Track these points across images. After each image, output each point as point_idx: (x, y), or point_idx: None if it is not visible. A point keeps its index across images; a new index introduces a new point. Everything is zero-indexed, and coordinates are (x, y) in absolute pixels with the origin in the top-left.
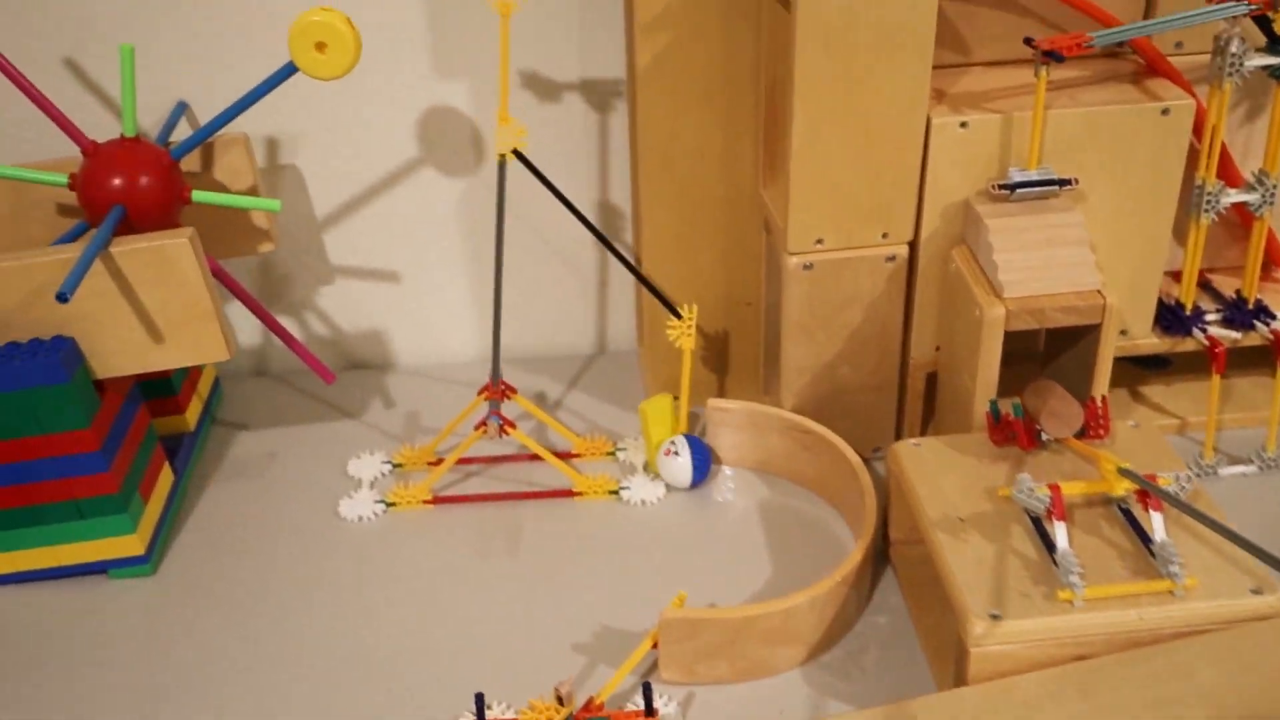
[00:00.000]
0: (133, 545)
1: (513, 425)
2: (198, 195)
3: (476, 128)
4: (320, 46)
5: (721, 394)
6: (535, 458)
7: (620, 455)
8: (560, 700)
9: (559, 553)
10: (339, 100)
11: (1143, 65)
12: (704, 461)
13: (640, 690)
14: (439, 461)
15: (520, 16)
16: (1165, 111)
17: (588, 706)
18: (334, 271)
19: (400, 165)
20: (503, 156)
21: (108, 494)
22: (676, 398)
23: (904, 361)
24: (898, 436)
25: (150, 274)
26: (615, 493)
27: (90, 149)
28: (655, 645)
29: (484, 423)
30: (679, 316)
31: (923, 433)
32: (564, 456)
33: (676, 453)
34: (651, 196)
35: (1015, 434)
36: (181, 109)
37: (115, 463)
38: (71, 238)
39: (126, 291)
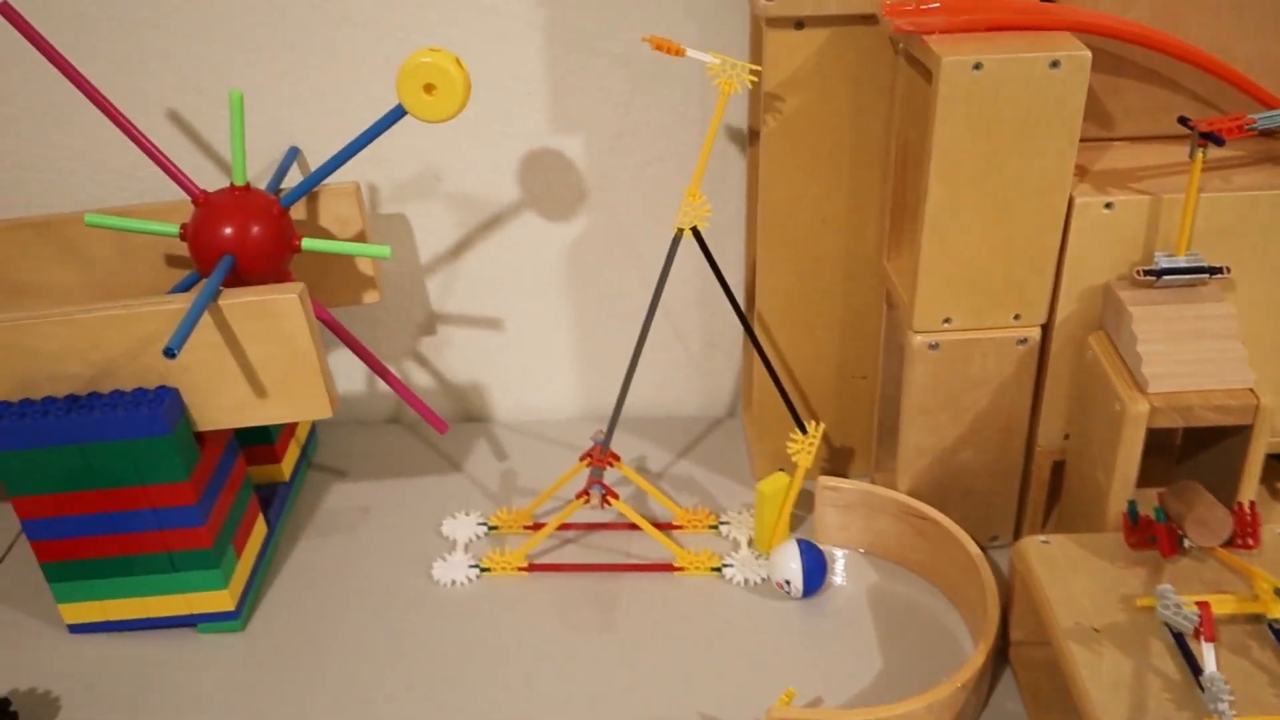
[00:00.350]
0: (223, 601)
1: (615, 496)
2: (307, 243)
3: (587, 181)
4: (429, 88)
5: (831, 468)
6: (634, 527)
7: (724, 529)
8: None
9: (656, 631)
10: (449, 148)
11: None
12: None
13: None
14: (536, 526)
15: (640, 66)
16: None
17: None
18: (435, 321)
19: (508, 216)
20: (681, 231)
21: (201, 548)
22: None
23: (1029, 448)
24: (1018, 525)
25: (257, 328)
26: (718, 570)
27: (200, 198)
28: None
29: (586, 492)
30: (804, 431)
31: (1044, 523)
32: (664, 527)
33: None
34: (769, 263)
35: (1155, 539)
36: (293, 155)
37: (211, 517)
38: (184, 288)
39: (232, 344)
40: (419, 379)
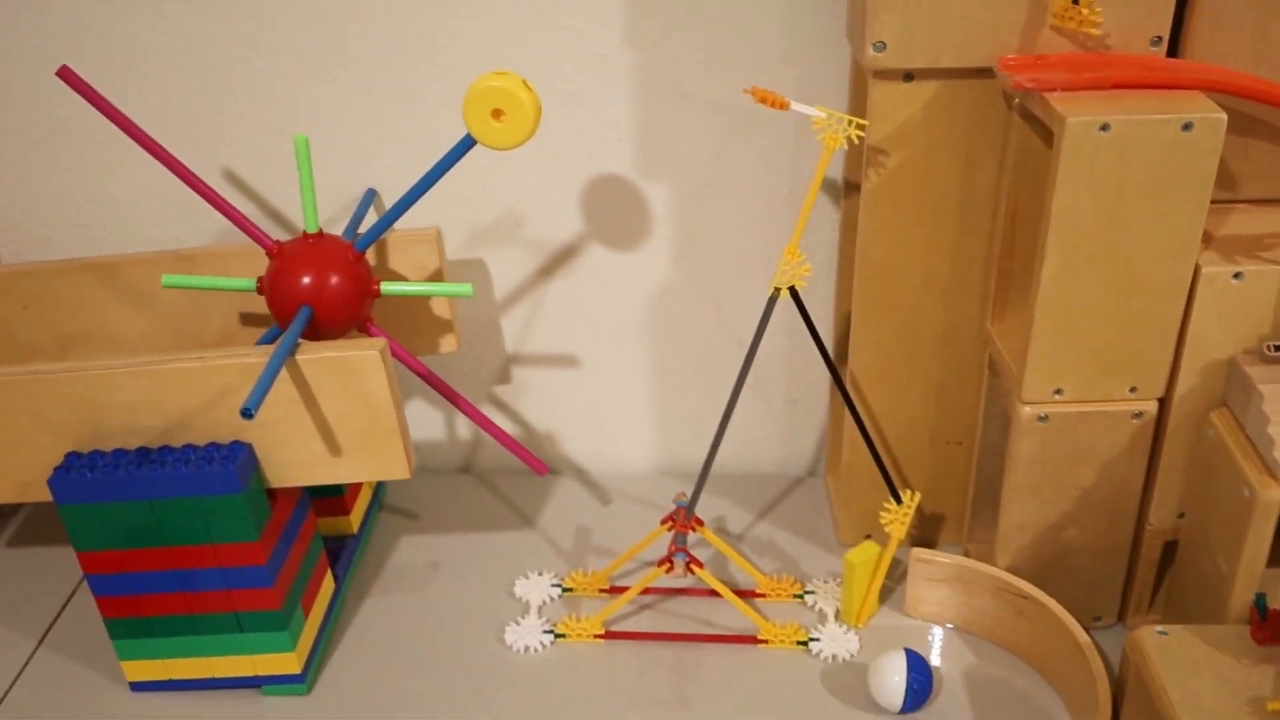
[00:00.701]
0: (290, 663)
1: (699, 565)
2: (386, 287)
3: (673, 229)
4: (497, 114)
5: (920, 536)
6: (715, 593)
7: (809, 599)
8: None
9: (738, 708)
10: (530, 192)
11: None
12: (921, 700)
13: None
14: (612, 589)
15: (733, 113)
16: None
17: None
18: (510, 368)
19: (589, 263)
20: (778, 290)
21: (270, 609)
22: (881, 545)
23: (1140, 527)
24: (1122, 607)
25: (336, 385)
26: (804, 644)
27: (274, 250)
28: None
29: (669, 559)
30: (899, 500)
31: (1150, 605)
32: (746, 595)
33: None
34: (865, 322)
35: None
36: (370, 197)
37: (280, 577)
38: (268, 340)
39: (309, 401)
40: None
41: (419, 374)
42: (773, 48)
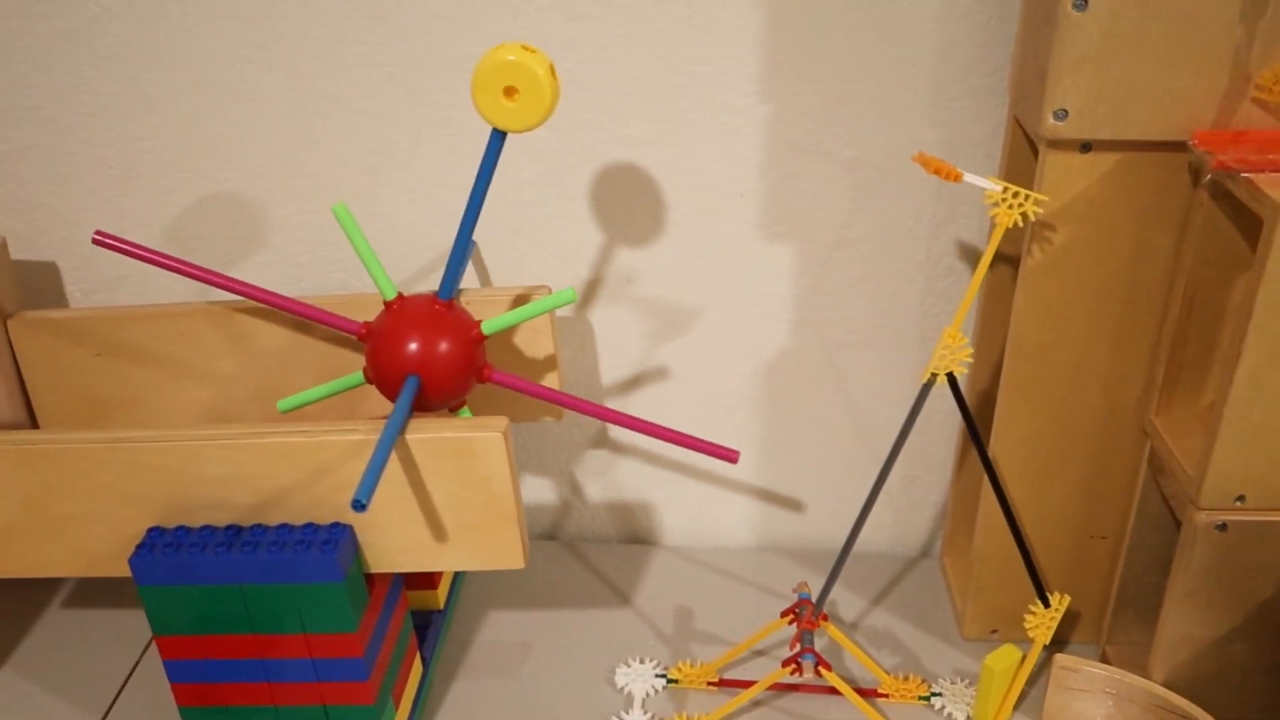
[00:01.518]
0: None
1: (829, 667)
2: (488, 326)
3: (794, 293)
4: (510, 92)
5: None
6: (833, 690)
7: (936, 702)
8: None
9: None
10: (644, 248)
11: None
12: None
13: None
14: (720, 683)
15: (867, 174)
16: None
17: None
18: (608, 433)
19: (701, 324)
20: (935, 376)
21: (363, 704)
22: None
23: None
24: None
25: (451, 467)
26: None
27: (363, 332)
28: None
29: (796, 661)
30: (1046, 604)
31: None
32: (868, 695)
33: None
34: (1011, 407)
35: None
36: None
37: (375, 669)
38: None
39: (420, 483)
40: (588, 492)
41: (545, 397)
42: (917, 106)
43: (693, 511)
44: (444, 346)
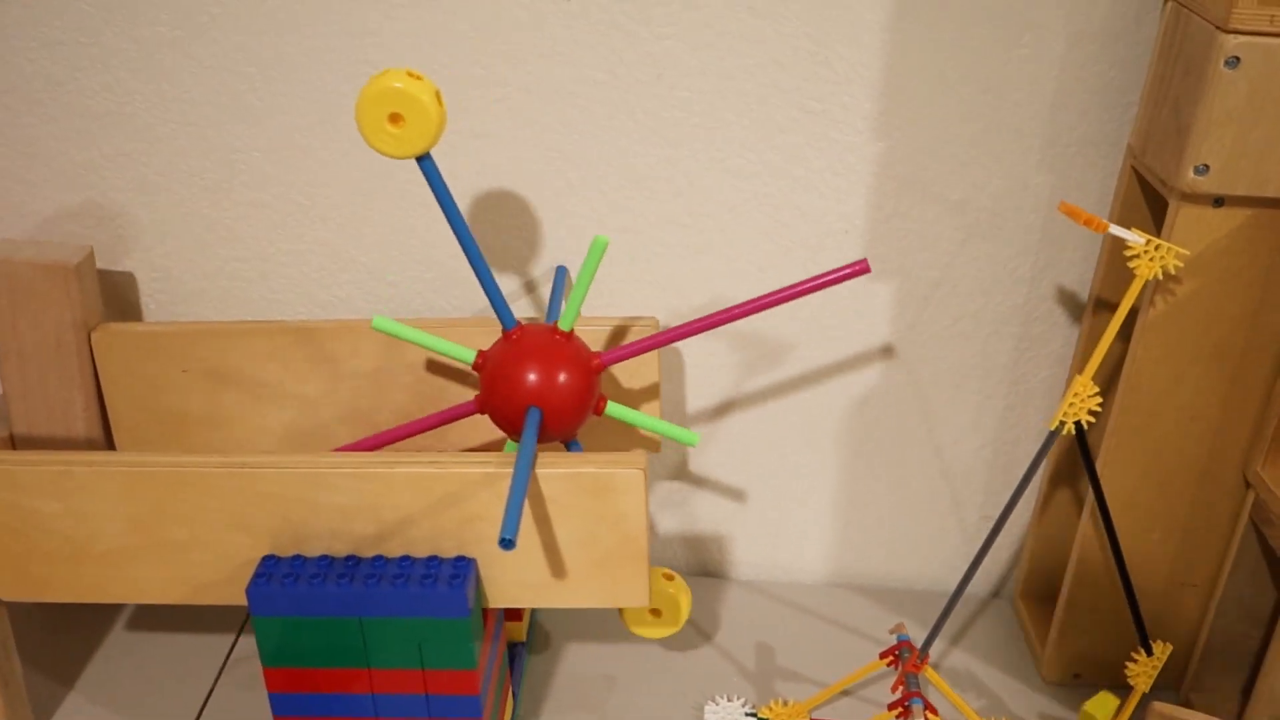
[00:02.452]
0: None
1: (935, 711)
2: (611, 409)
3: (890, 330)
4: (395, 119)
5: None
6: None
7: None
8: None
9: None
10: (741, 281)
11: None
12: None
13: None
14: None
15: (975, 216)
16: None
17: None
18: (688, 464)
19: (793, 359)
20: (1063, 424)
21: None
22: (1120, 699)
23: None
24: None
25: (585, 503)
26: None
27: (515, 332)
28: None
29: (903, 705)
30: (1149, 651)
31: None
32: None
33: None
34: (1117, 455)
35: None
36: (562, 275)
37: (487, 705)
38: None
39: (549, 518)
40: (662, 524)
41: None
42: (1031, 151)
43: (766, 546)
44: (564, 378)
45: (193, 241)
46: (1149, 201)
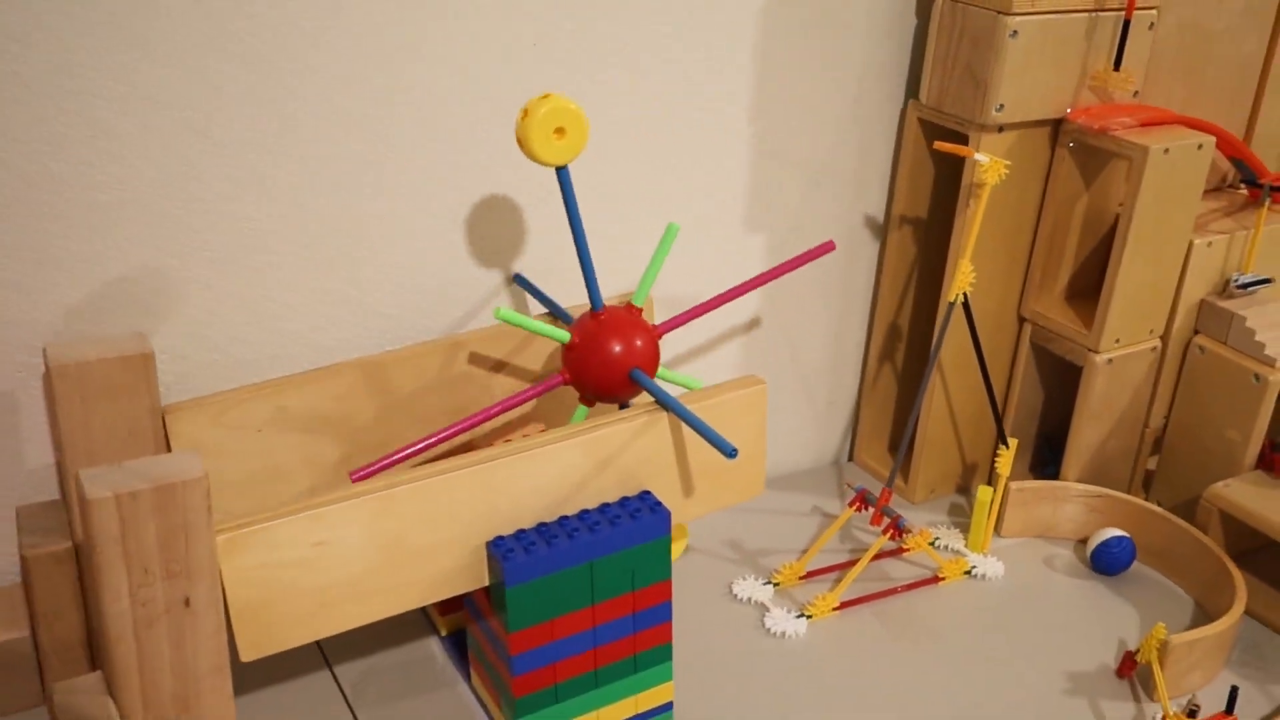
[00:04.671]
0: (666, 692)
1: (912, 530)
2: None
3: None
4: (560, 132)
5: (960, 485)
6: (877, 558)
7: (937, 544)
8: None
9: (963, 620)
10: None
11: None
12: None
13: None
14: (808, 575)
15: (815, 164)
16: None
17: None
18: None
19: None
20: (962, 294)
21: (664, 643)
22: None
23: (1145, 426)
24: (1130, 483)
25: (724, 424)
26: (968, 573)
27: (603, 312)
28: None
29: (895, 527)
30: (1006, 444)
31: (1146, 483)
32: (898, 553)
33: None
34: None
35: None
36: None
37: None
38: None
39: (683, 444)
40: None
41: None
42: (846, 113)
43: None
44: (643, 343)
45: (198, 315)
46: (927, 139)
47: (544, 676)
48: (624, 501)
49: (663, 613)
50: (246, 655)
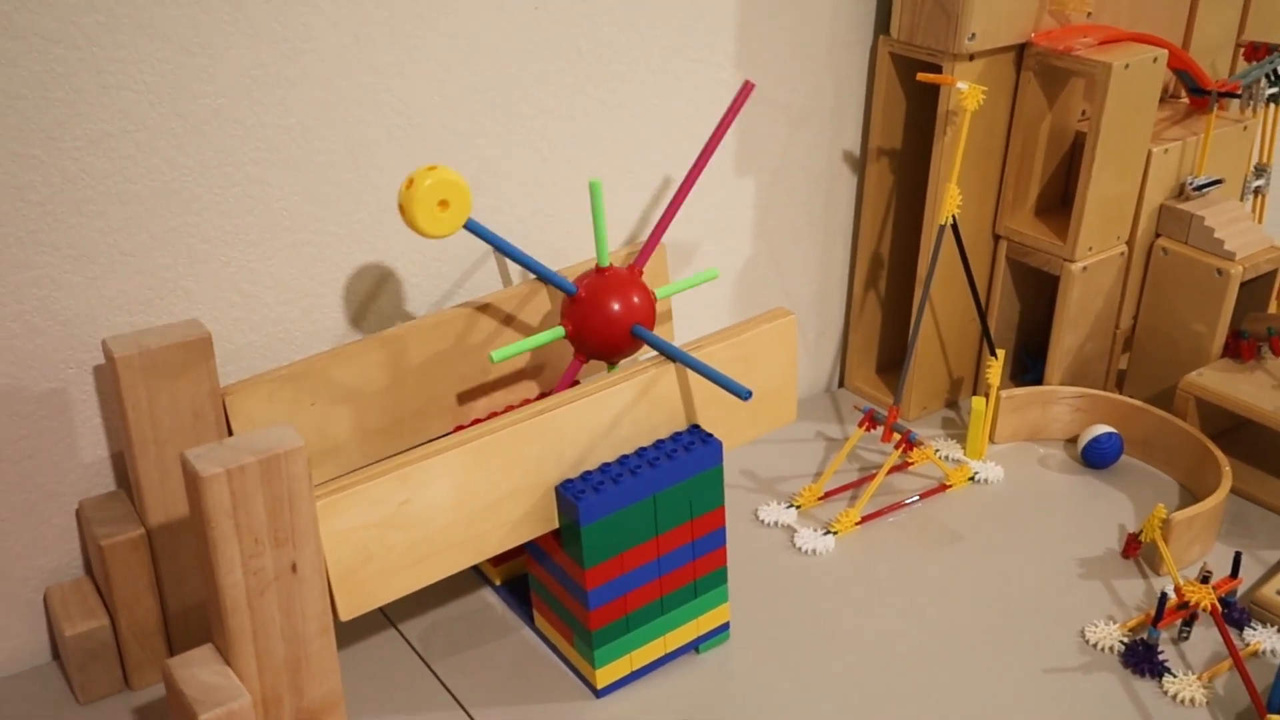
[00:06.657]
0: (723, 613)
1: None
2: (660, 291)
3: (751, 217)
4: (444, 204)
5: (948, 400)
6: (869, 479)
7: (939, 454)
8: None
9: (977, 520)
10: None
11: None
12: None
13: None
14: (826, 495)
15: (796, 107)
16: (1245, 128)
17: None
18: None
19: (687, 252)
20: (951, 217)
21: (720, 567)
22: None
23: (1117, 328)
24: (1106, 380)
25: (761, 358)
26: (972, 479)
27: (582, 290)
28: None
29: (906, 441)
30: (994, 355)
31: (1120, 381)
32: (902, 468)
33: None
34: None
35: (1270, 347)
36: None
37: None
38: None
39: (744, 375)
40: None
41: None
42: (822, 56)
43: None
44: (642, 300)
45: (238, 297)
46: (899, 73)
47: (616, 608)
48: (676, 436)
49: (718, 538)
50: (346, 614)
